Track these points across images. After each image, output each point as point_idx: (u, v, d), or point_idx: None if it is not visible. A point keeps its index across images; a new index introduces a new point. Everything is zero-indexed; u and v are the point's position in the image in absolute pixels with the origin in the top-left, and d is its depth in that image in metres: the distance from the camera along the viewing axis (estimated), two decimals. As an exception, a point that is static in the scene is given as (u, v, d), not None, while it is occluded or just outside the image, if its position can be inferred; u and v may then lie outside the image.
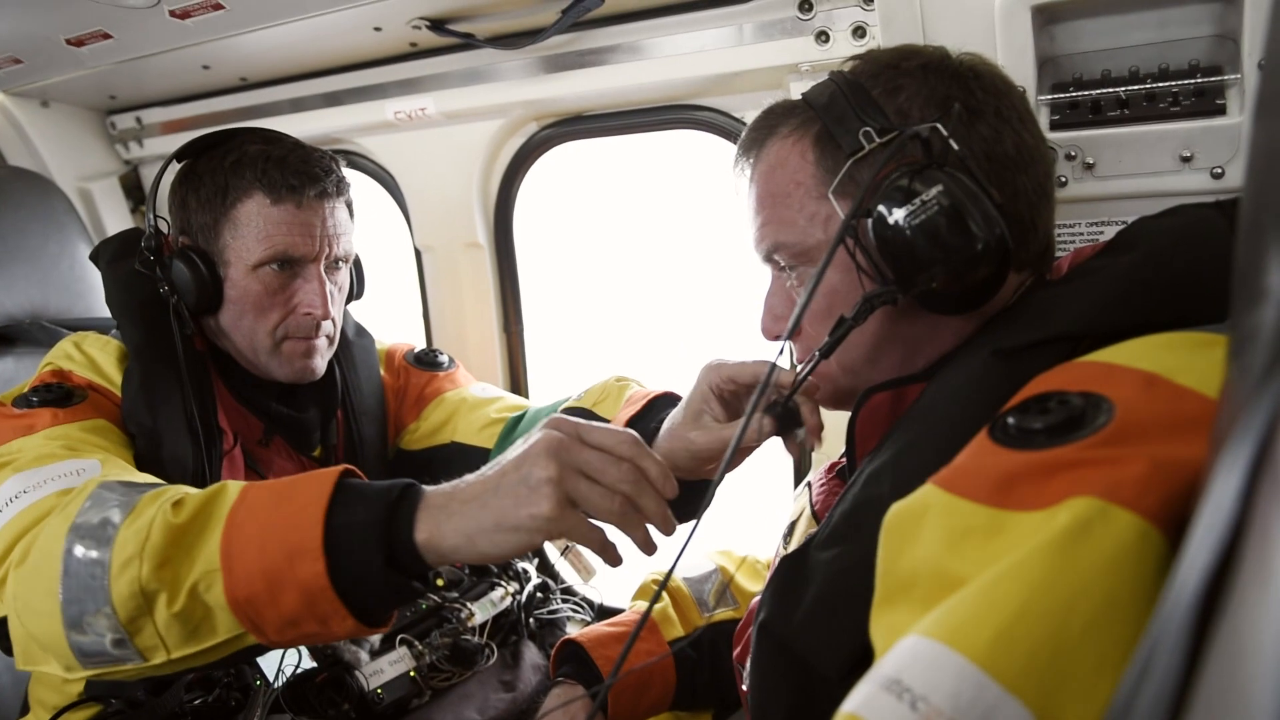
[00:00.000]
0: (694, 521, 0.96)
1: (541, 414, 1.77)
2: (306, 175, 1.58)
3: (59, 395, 1.47)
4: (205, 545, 1.07)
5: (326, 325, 1.67)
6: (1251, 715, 0.30)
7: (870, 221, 0.98)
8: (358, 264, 1.79)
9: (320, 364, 1.70)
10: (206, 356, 1.66)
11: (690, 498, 1.33)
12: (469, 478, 1.06)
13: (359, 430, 1.86)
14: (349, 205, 1.68)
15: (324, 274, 1.64)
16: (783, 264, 1.14)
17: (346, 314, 1.86)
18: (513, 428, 1.81)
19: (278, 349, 1.64)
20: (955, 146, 0.96)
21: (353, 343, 1.88)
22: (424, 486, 1.07)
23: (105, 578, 1.08)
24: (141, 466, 1.46)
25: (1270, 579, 0.33)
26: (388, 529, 1.03)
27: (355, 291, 1.82)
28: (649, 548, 1.06)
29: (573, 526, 1.00)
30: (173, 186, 1.65)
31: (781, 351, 1.04)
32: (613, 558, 1.05)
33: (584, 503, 1.00)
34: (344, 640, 1.65)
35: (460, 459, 1.83)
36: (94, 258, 1.73)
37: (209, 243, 1.60)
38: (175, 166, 1.66)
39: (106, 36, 2.01)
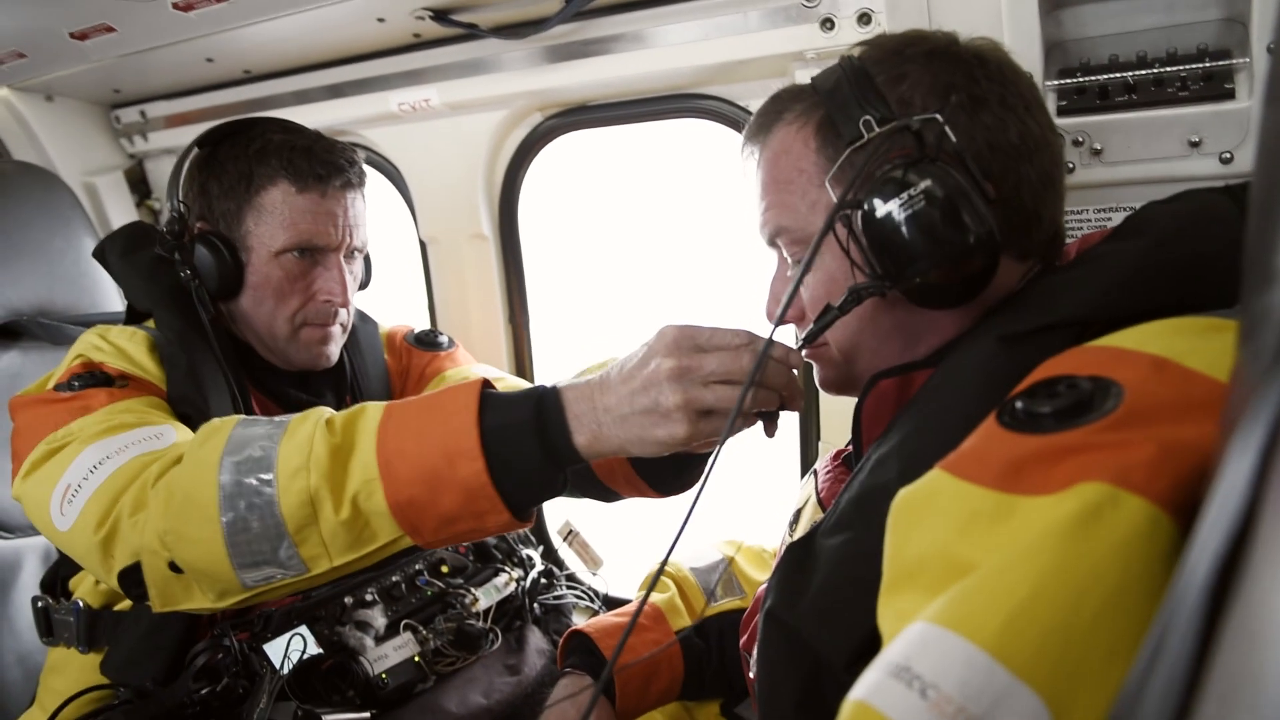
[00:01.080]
0: (689, 508, 0.99)
1: None
2: (332, 165, 1.61)
3: (103, 379, 1.50)
4: (360, 457, 1.15)
5: (342, 313, 1.71)
6: (1266, 701, 0.30)
7: (861, 212, 0.98)
8: (366, 256, 1.81)
9: (335, 351, 1.73)
10: (236, 341, 1.70)
11: (687, 468, 1.47)
12: (597, 381, 1.14)
13: None
14: (365, 197, 1.71)
15: (343, 262, 1.67)
16: (785, 249, 1.14)
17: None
18: None
19: (295, 335, 1.67)
20: (953, 138, 0.96)
21: (358, 328, 1.91)
22: (560, 390, 1.16)
23: (274, 491, 1.16)
24: None
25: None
26: (540, 429, 1.13)
27: (363, 281, 1.84)
28: (773, 432, 1.17)
29: (705, 435, 1.09)
30: (190, 173, 1.66)
31: (772, 334, 1.05)
32: (771, 428, 1.16)
33: (719, 407, 1.07)
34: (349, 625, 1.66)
35: None
36: (99, 254, 1.73)
37: (231, 229, 1.62)
38: (194, 156, 1.67)
39: (110, 30, 2.01)
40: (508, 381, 1.92)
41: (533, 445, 1.12)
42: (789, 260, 1.15)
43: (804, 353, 1.17)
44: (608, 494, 1.61)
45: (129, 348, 1.59)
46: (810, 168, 1.08)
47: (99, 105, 2.75)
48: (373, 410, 1.20)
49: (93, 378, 1.49)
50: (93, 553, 1.28)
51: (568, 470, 1.16)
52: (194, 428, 1.50)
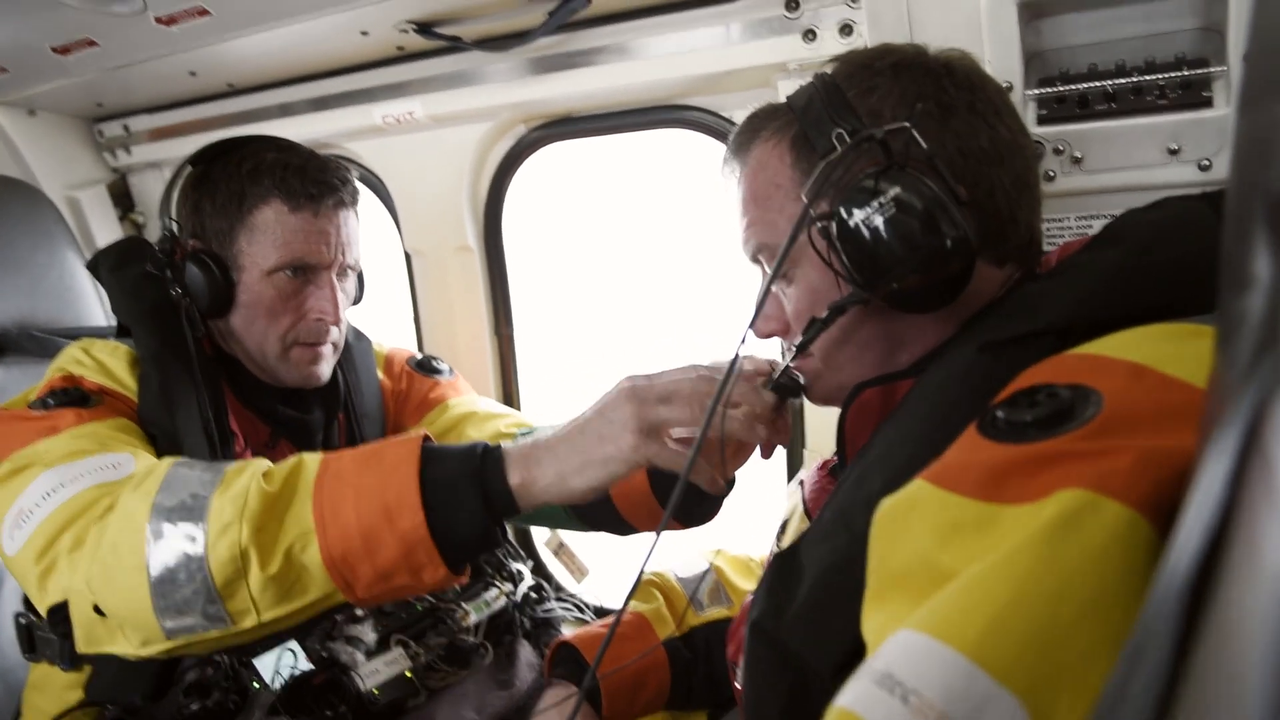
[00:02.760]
0: (661, 521, 1.01)
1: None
2: (325, 184, 1.60)
3: (76, 397, 1.48)
4: (296, 510, 1.15)
5: (334, 332, 1.69)
6: (1241, 701, 0.30)
7: (835, 223, 0.99)
8: (359, 272, 1.80)
9: (326, 370, 1.72)
10: (218, 361, 1.68)
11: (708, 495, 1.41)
12: (547, 433, 1.17)
13: (360, 432, 1.88)
14: (358, 215, 1.71)
15: (335, 281, 1.66)
16: (767, 265, 1.15)
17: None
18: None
19: (286, 354, 1.66)
20: (923, 145, 0.97)
21: (352, 346, 1.89)
22: (502, 444, 1.18)
23: (202, 545, 1.14)
24: None
25: (1257, 564, 0.33)
26: (480, 479, 1.14)
27: (356, 298, 1.83)
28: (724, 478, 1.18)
29: (657, 452, 1.10)
30: (184, 191, 1.66)
31: (742, 343, 1.08)
32: (720, 476, 1.16)
33: (670, 417, 1.10)
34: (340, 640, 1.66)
35: None
36: (93, 267, 1.72)
37: (223, 247, 1.61)
38: (187, 174, 1.67)
39: (92, 44, 2.01)
40: (513, 418, 1.92)
41: (473, 498, 1.13)
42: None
43: (792, 366, 1.18)
44: (624, 528, 1.63)
45: (110, 362, 1.58)
46: (787, 182, 1.09)
47: (82, 119, 2.74)
48: (311, 461, 1.20)
49: (66, 395, 1.47)
50: (31, 582, 1.27)
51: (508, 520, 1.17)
52: (158, 449, 1.51)
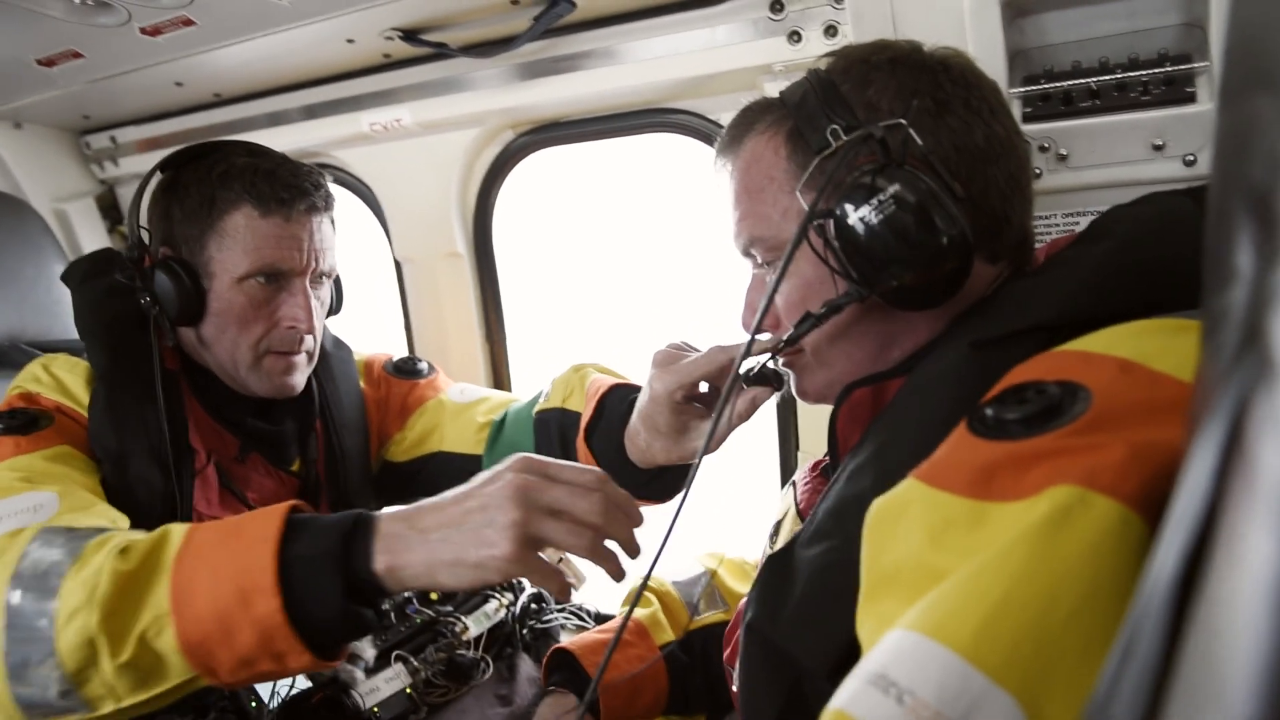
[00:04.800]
0: (670, 520, 0.99)
1: (520, 416, 1.77)
2: (296, 189, 1.56)
3: (23, 422, 1.44)
4: (154, 591, 1.06)
5: (308, 340, 1.65)
6: (1228, 694, 0.30)
7: (833, 219, 0.99)
8: (337, 280, 1.78)
9: (300, 380, 1.68)
10: (179, 374, 1.64)
11: (669, 479, 1.45)
12: (428, 503, 1.08)
13: (340, 443, 1.84)
14: (333, 220, 1.67)
15: (309, 288, 1.62)
16: (759, 258, 1.15)
17: (324, 327, 1.84)
18: (499, 430, 1.81)
19: (259, 363, 1.62)
20: (919, 142, 0.97)
21: (331, 354, 1.86)
22: (378, 514, 1.08)
23: (51, 629, 1.06)
24: (109, 490, 1.45)
25: (1240, 561, 0.33)
26: (344, 559, 1.04)
27: (333, 306, 1.80)
28: (619, 575, 1.09)
29: (532, 569, 1.03)
30: (155, 197, 1.62)
31: (751, 341, 1.07)
32: (614, 569, 1.09)
33: (553, 540, 1.03)
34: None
35: (449, 468, 1.83)
36: (66, 278, 1.69)
37: (193, 254, 1.57)
38: (157, 180, 1.64)
39: (77, 56, 2.00)
40: (488, 402, 1.89)
41: (333, 582, 1.03)
42: (765, 267, 1.16)
43: (780, 361, 1.18)
44: None
45: (68, 379, 1.55)
46: (781, 175, 1.08)
47: (68, 131, 2.73)
48: (176, 534, 1.11)
49: (14, 419, 1.44)
50: None
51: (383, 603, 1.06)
52: (106, 472, 1.47)
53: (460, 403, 1.91)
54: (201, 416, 1.66)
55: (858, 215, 0.97)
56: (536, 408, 1.73)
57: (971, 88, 1.05)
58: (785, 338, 1.09)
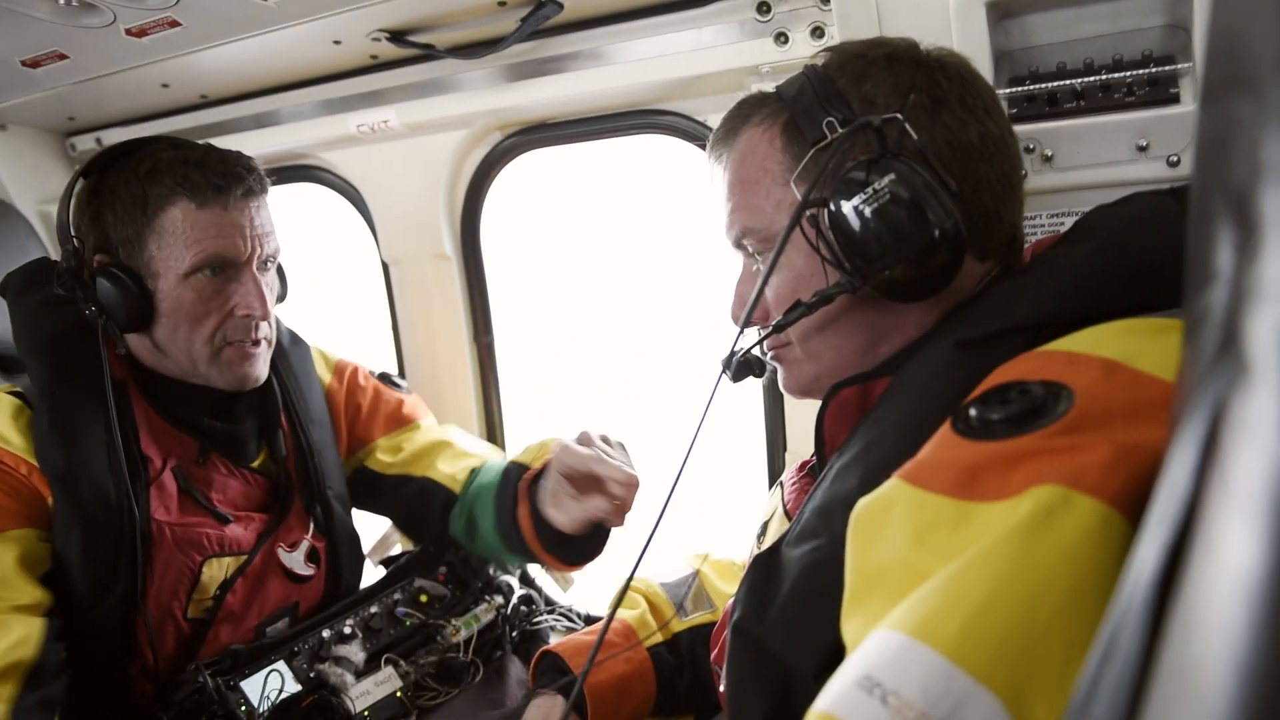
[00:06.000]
0: (653, 526, 1.00)
1: (493, 467, 1.92)
2: (229, 175, 1.55)
3: None
4: None
5: (264, 327, 1.64)
6: (1206, 693, 0.30)
7: (827, 210, 0.99)
8: (280, 269, 1.76)
9: (262, 369, 1.67)
10: (128, 382, 1.62)
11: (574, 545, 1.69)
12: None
13: (307, 437, 1.85)
14: (268, 204, 1.65)
15: (256, 274, 1.60)
16: (751, 249, 1.15)
17: (279, 321, 1.85)
18: (475, 475, 1.95)
19: (217, 357, 1.60)
20: (915, 136, 0.97)
21: (289, 350, 1.87)
22: None
23: None
24: (59, 510, 1.47)
25: (1216, 561, 0.33)
26: None
27: (280, 294, 1.79)
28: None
29: None
30: (80, 204, 1.58)
31: (741, 334, 1.08)
32: None
33: None
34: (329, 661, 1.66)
35: (430, 494, 1.95)
36: (1, 291, 1.66)
37: (132, 257, 1.54)
38: (81, 187, 1.61)
39: (63, 57, 1.99)
40: (478, 457, 2.01)
41: None
42: (756, 259, 1.16)
43: (768, 354, 1.18)
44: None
45: None
46: (775, 167, 1.09)
47: (54, 133, 2.71)
48: None
49: None
50: None
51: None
52: (56, 492, 1.47)
53: (462, 449, 2.02)
54: (156, 423, 1.64)
55: (851, 205, 0.97)
56: (511, 458, 1.87)
57: (967, 85, 1.05)
58: (774, 323, 1.08)
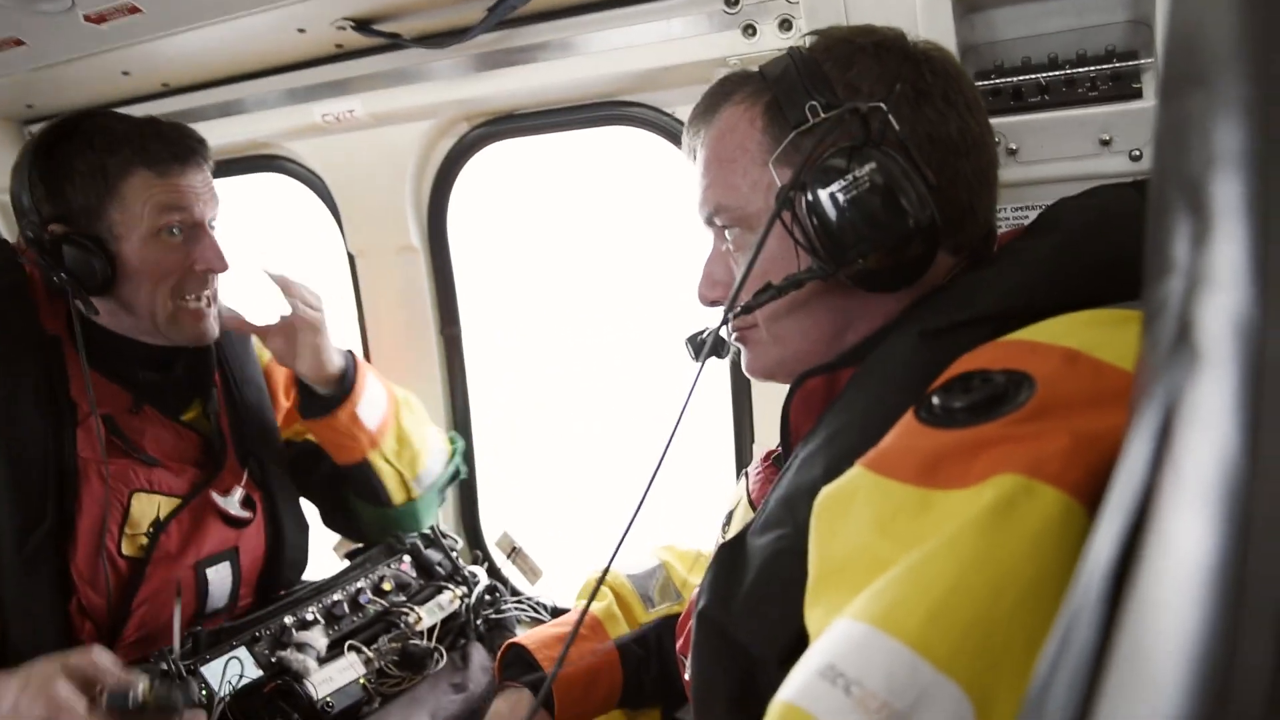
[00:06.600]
0: (629, 521, 1.00)
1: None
2: (184, 145, 1.69)
3: None
4: None
5: (214, 283, 1.77)
6: (1159, 680, 0.30)
7: (805, 195, 0.99)
8: None
9: (214, 326, 1.79)
10: (61, 338, 1.71)
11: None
12: None
13: (241, 396, 1.95)
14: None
15: (210, 232, 1.74)
16: (721, 224, 1.14)
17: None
18: None
19: (176, 315, 1.72)
20: (896, 126, 0.97)
21: (223, 313, 1.93)
22: None
23: None
24: None
25: (1171, 546, 0.34)
26: None
27: None
28: None
29: None
30: (31, 180, 1.68)
31: (726, 319, 1.08)
32: None
33: None
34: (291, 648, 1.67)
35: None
36: None
37: (91, 224, 1.65)
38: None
39: (19, 43, 1.95)
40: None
41: None
42: (727, 238, 1.15)
43: (733, 336, 1.18)
44: None
45: None
46: (754, 147, 1.08)
47: (11, 121, 2.66)
48: None
49: None
50: None
51: None
52: None
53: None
54: (93, 376, 1.71)
55: (829, 192, 0.97)
56: None
57: (951, 81, 1.06)
58: (743, 305, 1.08)
